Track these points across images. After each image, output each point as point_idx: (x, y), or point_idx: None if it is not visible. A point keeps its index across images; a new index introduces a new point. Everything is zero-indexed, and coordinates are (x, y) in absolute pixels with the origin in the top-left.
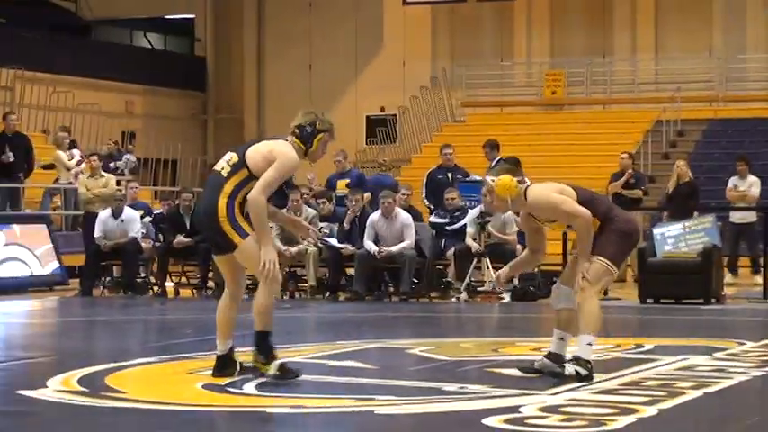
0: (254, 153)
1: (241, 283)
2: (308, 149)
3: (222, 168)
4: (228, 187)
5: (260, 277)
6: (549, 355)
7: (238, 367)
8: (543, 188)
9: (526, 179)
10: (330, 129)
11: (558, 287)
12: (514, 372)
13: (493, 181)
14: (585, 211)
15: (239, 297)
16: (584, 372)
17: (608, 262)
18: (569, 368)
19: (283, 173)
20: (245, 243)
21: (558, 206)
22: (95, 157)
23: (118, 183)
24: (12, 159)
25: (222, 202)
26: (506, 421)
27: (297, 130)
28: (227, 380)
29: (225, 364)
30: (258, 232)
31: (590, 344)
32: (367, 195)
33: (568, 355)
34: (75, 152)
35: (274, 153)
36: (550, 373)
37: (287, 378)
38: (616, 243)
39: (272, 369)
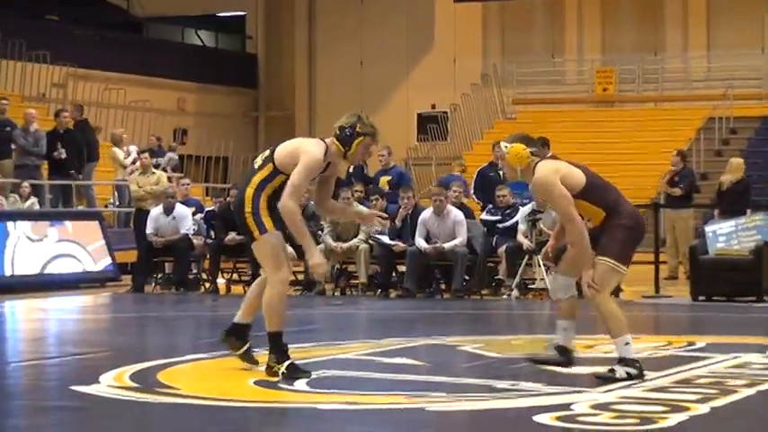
0: (283, 149)
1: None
2: (347, 152)
3: (256, 162)
4: (257, 179)
5: (269, 276)
6: (557, 348)
7: (246, 347)
8: (551, 169)
9: (544, 154)
10: (372, 133)
11: (554, 278)
12: (565, 369)
13: (506, 147)
14: (578, 218)
15: None
16: (634, 371)
17: (614, 262)
18: (620, 371)
19: (307, 174)
20: (263, 239)
21: (554, 195)
22: (146, 155)
23: (169, 180)
24: (64, 156)
25: (249, 193)
26: (558, 419)
27: (338, 131)
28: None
29: (235, 333)
30: (299, 239)
31: (628, 343)
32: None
33: (612, 354)
34: (132, 149)
35: (299, 151)
36: (600, 378)
37: (298, 377)
38: (622, 241)
39: (283, 368)
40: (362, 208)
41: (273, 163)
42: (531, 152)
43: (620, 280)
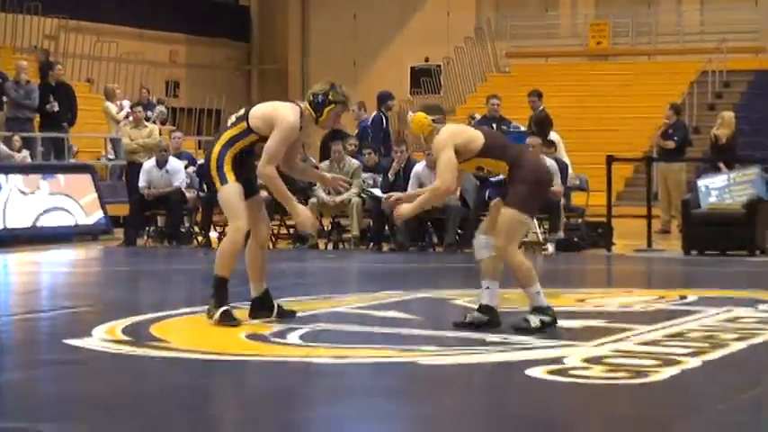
0: (257, 110)
1: (260, 227)
2: (318, 118)
3: (230, 119)
4: (226, 136)
5: (229, 224)
6: (480, 308)
7: (275, 309)
8: (449, 133)
9: (444, 122)
10: (343, 101)
11: (477, 238)
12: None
13: (410, 116)
14: (446, 182)
15: (263, 241)
16: (548, 319)
17: (520, 212)
18: (534, 320)
19: (283, 141)
20: (223, 189)
21: (441, 159)
22: (139, 108)
23: (161, 133)
24: (56, 109)
25: (216, 149)
26: (550, 372)
27: (311, 98)
28: (266, 321)
29: (261, 306)
30: (282, 201)
31: (538, 292)
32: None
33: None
34: (126, 103)
35: (275, 115)
36: (515, 328)
37: (228, 325)
38: (523, 193)
39: (217, 314)
40: (324, 173)
41: (247, 122)
42: (432, 120)
43: (524, 232)
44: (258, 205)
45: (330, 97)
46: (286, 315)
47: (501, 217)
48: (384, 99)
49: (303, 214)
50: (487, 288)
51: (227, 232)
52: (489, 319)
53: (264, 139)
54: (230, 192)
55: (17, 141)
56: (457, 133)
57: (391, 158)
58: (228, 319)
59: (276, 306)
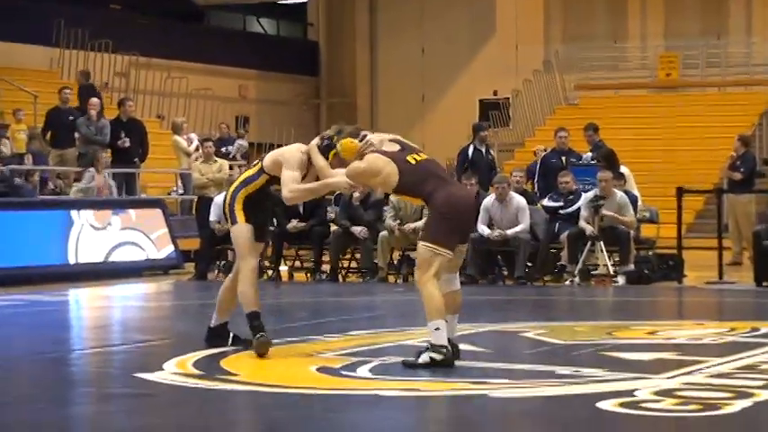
0: (271, 153)
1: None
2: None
3: (254, 162)
4: (243, 176)
5: (240, 264)
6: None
7: (230, 338)
8: (363, 170)
9: (371, 144)
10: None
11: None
12: (627, 355)
13: (339, 143)
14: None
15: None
16: (438, 357)
17: (430, 245)
18: (424, 356)
19: (291, 166)
20: (234, 229)
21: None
22: (209, 143)
23: (231, 167)
24: (127, 145)
25: (232, 188)
26: (621, 405)
27: (319, 141)
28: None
29: (214, 335)
30: (319, 191)
31: (438, 328)
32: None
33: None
34: (194, 137)
35: (281, 153)
36: (406, 365)
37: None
38: (435, 226)
39: (254, 341)
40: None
41: (262, 164)
42: (358, 143)
43: (444, 262)
44: (258, 250)
45: (334, 141)
46: (241, 342)
47: (418, 249)
48: (476, 129)
49: (339, 176)
50: (447, 323)
51: (241, 273)
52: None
53: (276, 179)
54: (239, 232)
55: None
56: (373, 172)
57: None
58: (263, 348)
59: (231, 335)
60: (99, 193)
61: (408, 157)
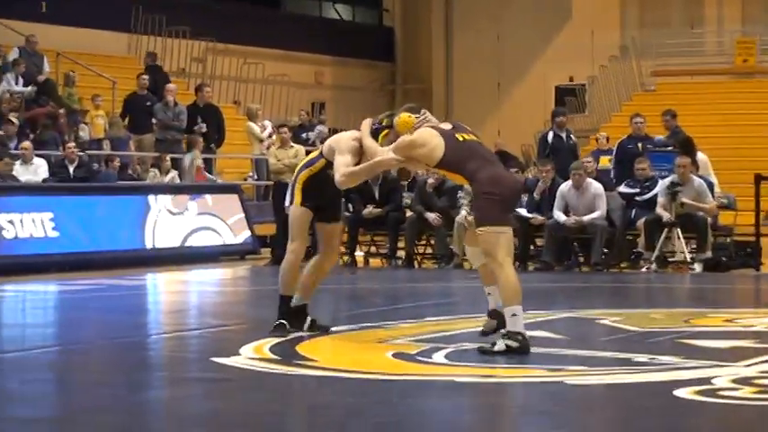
0: (329, 138)
1: (329, 254)
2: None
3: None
4: (306, 159)
5: (288, 243)
6: (490, 313)
7: (308, 323)
8: (410, 143)
9: (428, 121)
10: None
11: (468, 249)
12: (704, 343)
13: (396, 119)
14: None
15: (328, 267)
16: (514, 344)
17: (489, 228)
18: (500, 344)
19: (342, 152)
20: (290, 209)
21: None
22: (285, 129)
23: (307, 153)
24: (204, 130)
25: (297, 168)
26: (698, 393)
27: (371, 124)
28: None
29: (294, 317)
30: (372, 169)
31: (515, 314)
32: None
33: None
34: (267, 123)
35: (336, 139)
36: (481, 352)
37: (273, 335)
38: (485, 207)
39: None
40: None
41: (321, 148)
42: (416, 118)
43: (507, 240)
44: (334, 232)
45: (384, 123)
46: (320, 329)
47: (480, 239)
48: (554, 115)
49: (386, 154)
50: (490, 294)
51: (287, 253)
52: (498, 323)
53: (332, 164)
54: (293, 213)
55: (167, 162)
56: (419, 143)
57: (537, 178)
58: (278, 331)
59: (309, 320)
60: (197, 175)
61: (457, 135)
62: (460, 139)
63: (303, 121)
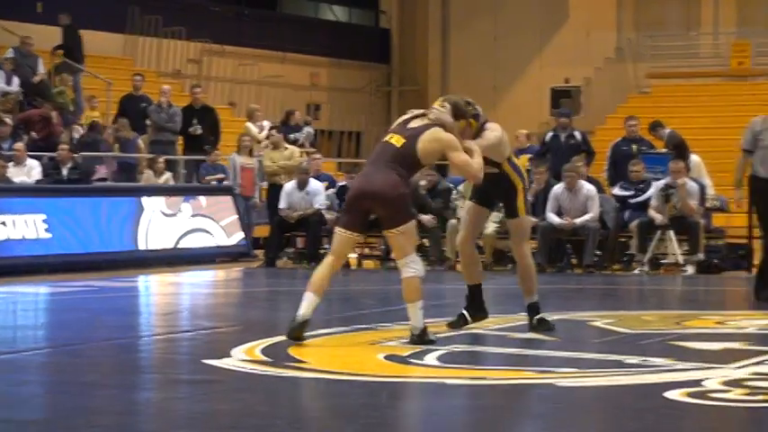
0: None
1: None
2: None
3: None
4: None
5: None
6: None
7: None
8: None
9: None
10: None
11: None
12: (696, 345)
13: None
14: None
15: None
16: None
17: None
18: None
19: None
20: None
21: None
22: (275, 130)
23: (302, 155)
24: (199, 132)
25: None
26: (689, 395)
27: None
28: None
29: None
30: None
31: (421, 309)
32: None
33: None
34: (266, 124)
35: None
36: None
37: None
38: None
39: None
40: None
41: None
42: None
43: (337, 239)
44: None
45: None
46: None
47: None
48: (558, 115)
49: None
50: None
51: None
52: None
53: None
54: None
55: (161, 164)
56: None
57: (531, 180)
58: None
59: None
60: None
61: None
62: (384, 140)
63: (299, 121)
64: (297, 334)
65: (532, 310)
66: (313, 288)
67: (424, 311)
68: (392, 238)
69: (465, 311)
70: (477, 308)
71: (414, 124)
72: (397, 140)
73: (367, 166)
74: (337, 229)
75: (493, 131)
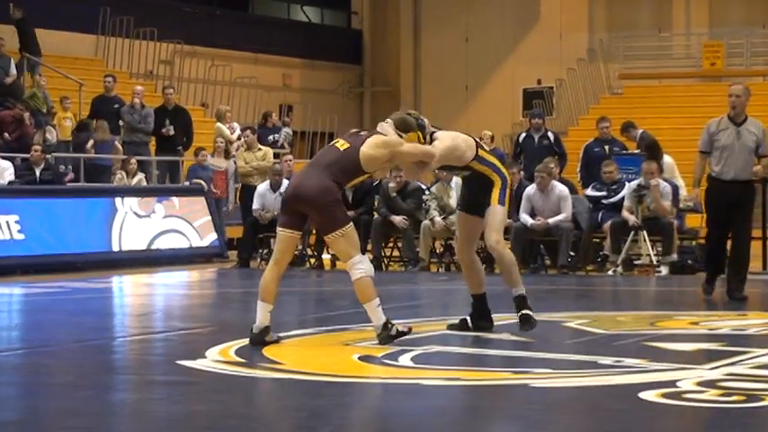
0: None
1: None
2: None
3: None
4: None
5: None
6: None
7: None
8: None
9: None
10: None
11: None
12: (670, 346)
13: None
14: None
15: None
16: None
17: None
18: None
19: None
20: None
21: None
22: (248, 132)
23: (275, 156)
24: (172, 133)
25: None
26: (663, 395)
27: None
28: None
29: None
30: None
31: (378, 306)
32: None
33: None
34: (236, 125)
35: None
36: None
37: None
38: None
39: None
40: None
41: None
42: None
43: (278, 240)
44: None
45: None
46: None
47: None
48: (531, 117)
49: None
50: None
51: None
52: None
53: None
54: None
55: (133, 165)
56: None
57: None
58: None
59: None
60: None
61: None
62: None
63: (277, 123)
64: (258, 340)
65: (518, 302)
66: (262, 296)
67: (382, 308)
68: (332, 243)
69: (468, 318)
70: (479, 317)
71: (362, 134)
72: (341, 145)
73: (307, 166)
74: (278, 229)
75: (442, 141)
